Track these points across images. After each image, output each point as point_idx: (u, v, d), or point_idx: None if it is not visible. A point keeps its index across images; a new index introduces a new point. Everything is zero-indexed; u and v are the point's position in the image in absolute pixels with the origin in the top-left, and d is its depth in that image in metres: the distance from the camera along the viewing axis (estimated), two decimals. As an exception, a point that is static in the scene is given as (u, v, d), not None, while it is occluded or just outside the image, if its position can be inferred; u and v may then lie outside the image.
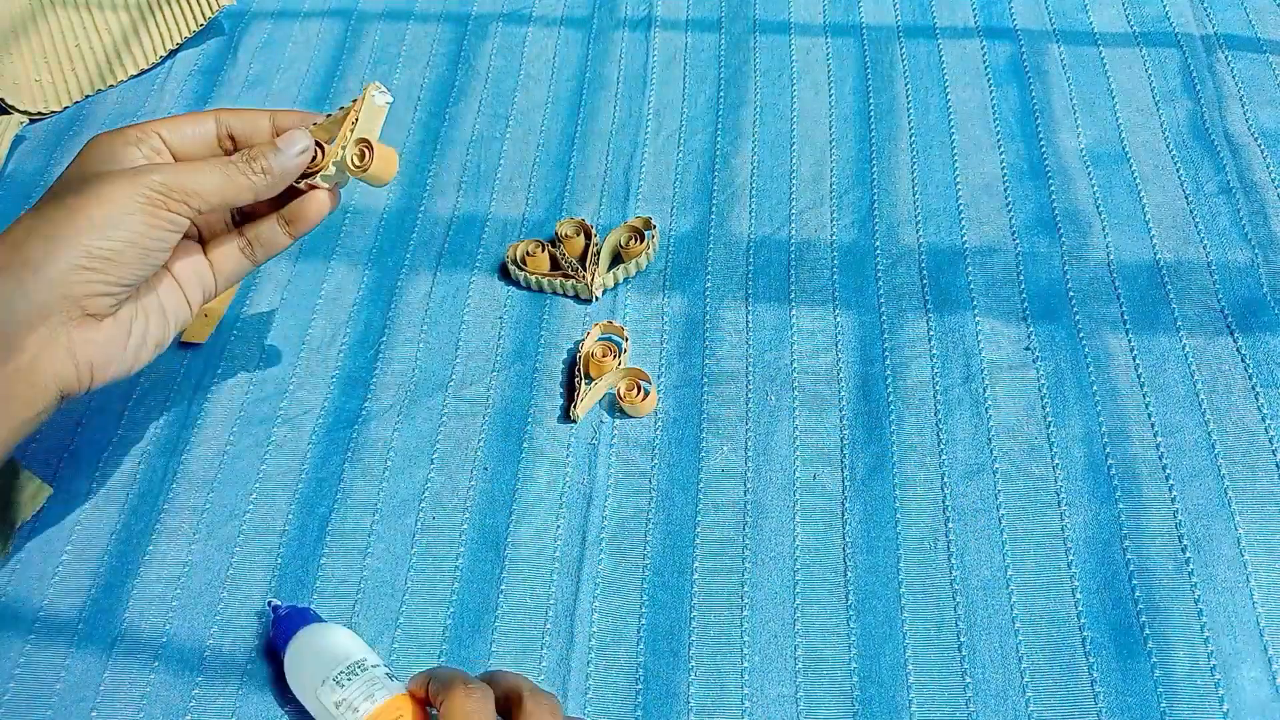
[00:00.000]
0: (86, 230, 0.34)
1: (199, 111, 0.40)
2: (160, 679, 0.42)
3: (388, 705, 0.37)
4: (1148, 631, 0.40)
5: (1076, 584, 0.42)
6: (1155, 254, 0.52)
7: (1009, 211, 0.55)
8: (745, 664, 0.41)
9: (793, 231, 0.55)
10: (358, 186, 0.58)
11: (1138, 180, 0.55)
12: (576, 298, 0.53)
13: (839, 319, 0.51)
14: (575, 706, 0.41)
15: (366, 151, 0.40)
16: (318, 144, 0.41)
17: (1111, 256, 0.52)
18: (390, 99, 0.42)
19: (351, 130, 0.40)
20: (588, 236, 0.54)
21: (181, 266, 0.40)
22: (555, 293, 0.53)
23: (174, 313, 0.40)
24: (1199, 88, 0.59)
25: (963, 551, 0.43)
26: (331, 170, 0.41)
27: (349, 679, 0.38)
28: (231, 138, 0.40)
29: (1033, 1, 0.66)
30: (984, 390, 0.48)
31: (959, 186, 0.56)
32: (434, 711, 0.35)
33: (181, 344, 0.53)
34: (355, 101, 0.41)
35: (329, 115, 0.42)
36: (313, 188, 0.41)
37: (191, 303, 0.41)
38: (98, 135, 0.38)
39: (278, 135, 0.40)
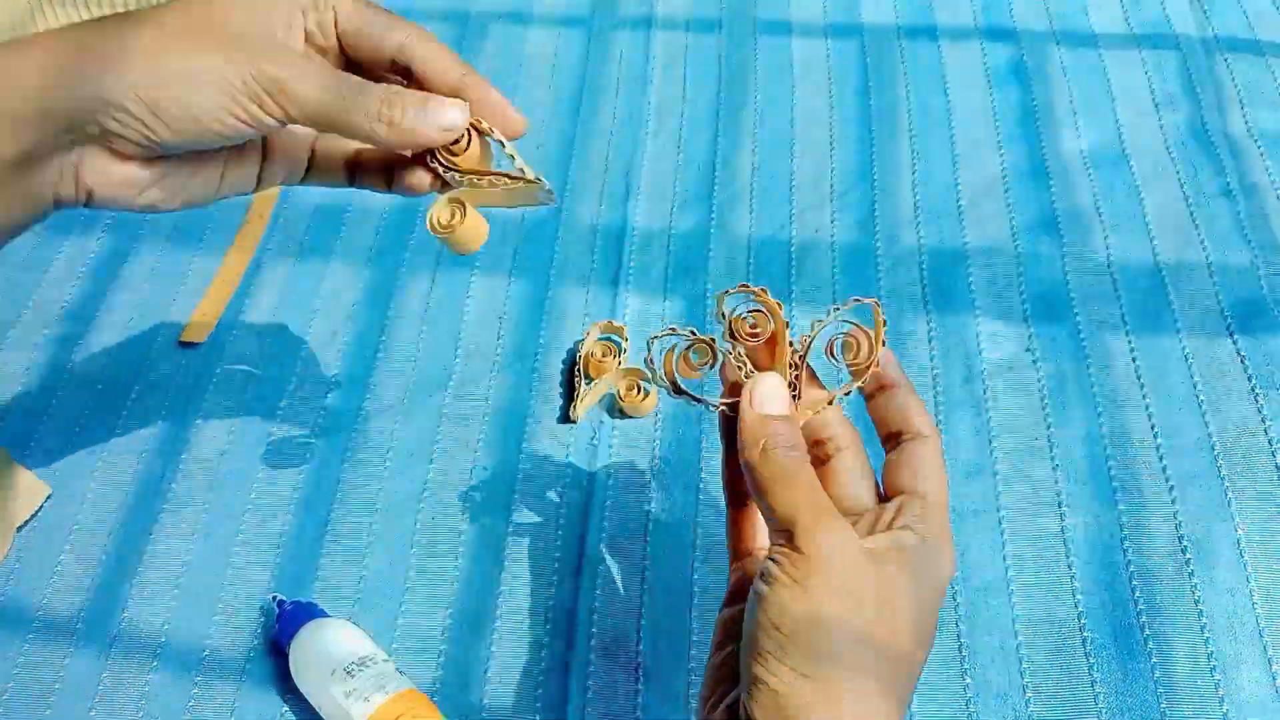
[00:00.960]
0: (153, 71, 0.28)
1: (392, 16, 0.32)
2: (159, 678, 0.42)
3: (399, 697, 0.37)
4: (1148, 632, 0.40)
5: (1077, 585, 0.42)
6: (1155, 255, 0.52)
7: (1009, 212, 0.55)
8: (745, 664, 0.41)
9: (793, 232, 0.55)
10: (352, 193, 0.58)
11: (1138, 182, 0.55)
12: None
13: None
14: (575, 706, 0.40)
15: (458, 212, 0.34)
16: (473, 130, 0.33)
17: (1112, 258, 0.52)
18: (547, 203, 0.35)
19: (488, 184, 0.33)
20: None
21: (233, 157, 0.33)
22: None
23: (199, 190, 0.33)
24: (1199, 90, 0.59)
25: (963, 552, 0.43)
26: (456, 182, 0.33)
27: (359, 670, 0.38)
28: (395, 61, 0.33)
29: (1033, 3, 0.66)
30: (984, 391, 0.48)
31: (960, 187, 0.56)
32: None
33: (181, 344, 0.53)
34: (514, 175, 0.33)
35: (505, 175, 0.33)
36: (432, 171, 0.33)
37: (221, 190, 0.34)
38: None
39: (455, 90, 0.32)
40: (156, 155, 0.30)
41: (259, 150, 0.34)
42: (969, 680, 0.40)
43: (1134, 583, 0.42)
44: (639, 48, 0.66)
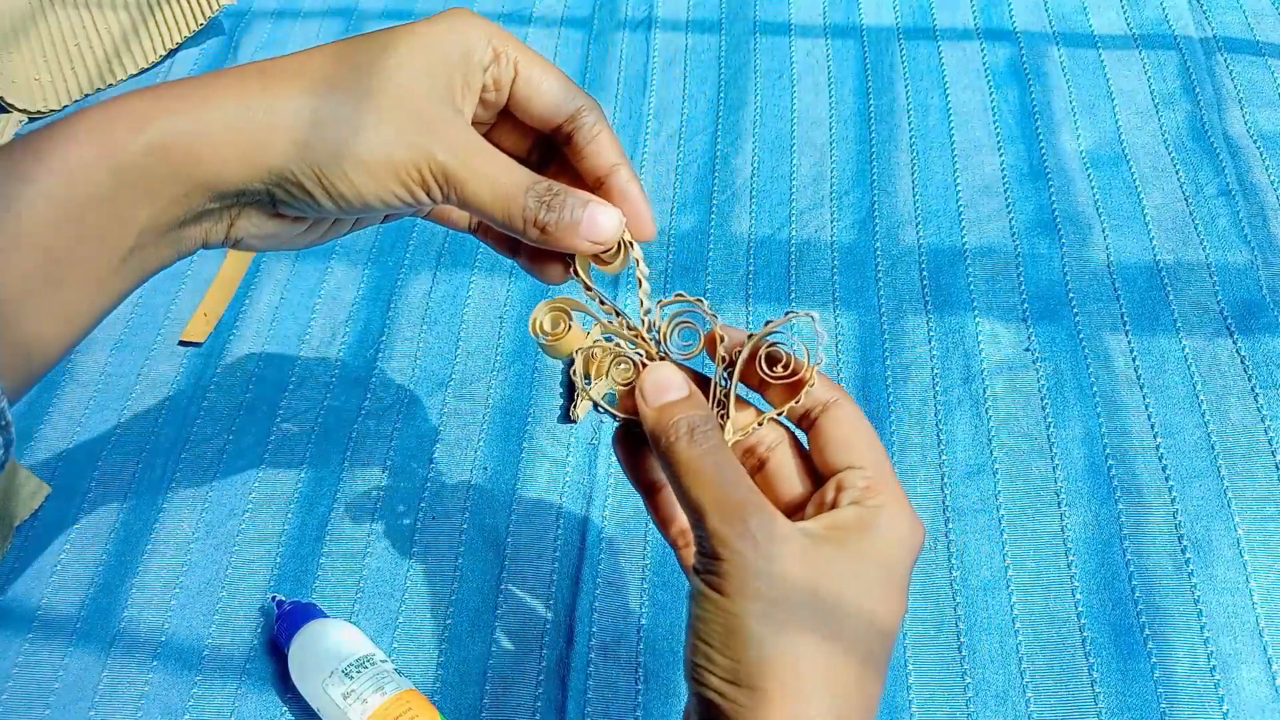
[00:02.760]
0: (333, 153, 0.27)
1: (570, 82, 0.31)
2: (159, 678, 0.42)
3: (397, 698, 0.37)
4: (1148, 632, 0.40)
5: (1076, 584, 0.42)
6: (1155, 255, 0.52)
7: (1009, 213, 0.55)
8: (745, 664, 0.41)
9: (793, 232, 0.55)
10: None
11: (1137, 182, 0.55)
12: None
13: (839, 319, 0.51)
14: (575, 706, 0.40)
15: (562, 322, 0.32)
16: (625, 244, 0.31)
17: (1111, 258, 0.52)
18: (679, 357, 0.31)
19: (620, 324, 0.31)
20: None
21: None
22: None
23: (367, 221, 0.33)
24: (1198, 90, 0.59)
25: (963, 551, 0.43)
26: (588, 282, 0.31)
27: (358, 671, 0.38)
28: (561, 128, 0.31)
29: (1033, 4, 0.66)
30: (984, 391, 0.48)
31: (959, 188, 0.56)
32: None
33: (180, 343, 0.53)
34: (644, 337, 0.31)
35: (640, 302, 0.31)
36: (566, 266, 0.32)
37: (390, 217, 0.34)
38: (466, 14, 0.29)
39: (604, 178, 0.31)
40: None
41: None
42: (969, 680, 0.40)
43: (1133, 582, 0.42)
44: (639, 48, 0.66)
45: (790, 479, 0.30)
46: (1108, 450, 0.45)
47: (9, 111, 0.64)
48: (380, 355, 0.52)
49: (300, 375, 0.51)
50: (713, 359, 0.30)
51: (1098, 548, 0.43)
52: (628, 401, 0.30)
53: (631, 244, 0.31)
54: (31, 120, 0.65)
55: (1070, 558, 0.43)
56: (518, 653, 0.42)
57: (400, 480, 0.47)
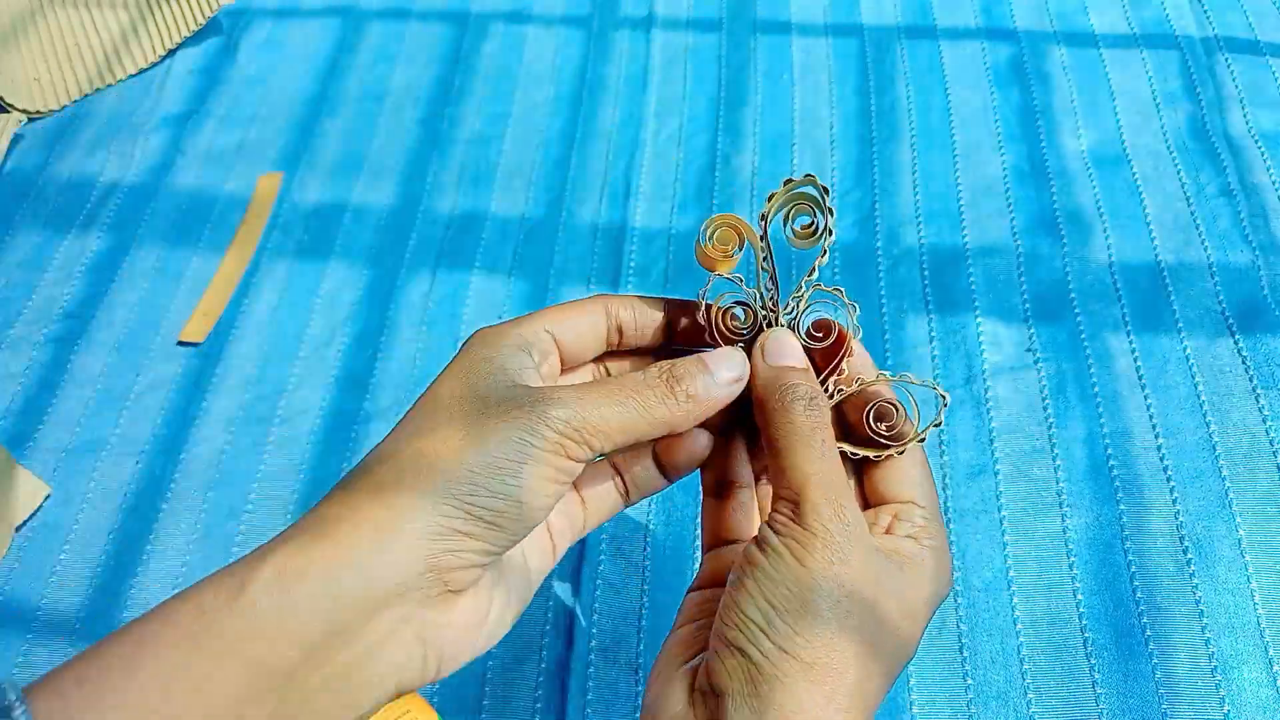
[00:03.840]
0: (467, 479, 0.25)
1: (584, 300, 0.31)
2: (158, 679, 0.42)
3: (395, 700, 0.37)
4: (1149, 633, 0.40)
5: (1078, 585, 0.42)
6: (1156, 255, 0.52)
7: (1010, 212, 0.55)
8: (746, 665, 0.41)
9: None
10: (352, 192, 0.58)
11: (1139, 182, 0.55)
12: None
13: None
14: (575, 708, 0.40)
15: (732, 241, 0.32)
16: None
17: (1113, 258, 0.52)
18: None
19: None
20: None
21: (556, 511, 0.31)
22: None
23: (537, 571, 0.30)
24: (1199, 90, 0.59)
25: (964, 552, 0.43)
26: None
27: None
28: (619, 330, 0.32)
29: (1034, 3, 0.66)
30: (985, 391, 0.48)
31: (960, 187, 0.56)
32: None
33: (179, 343, 0.53)
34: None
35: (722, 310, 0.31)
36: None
37: (557, 553, 0.31)
38: (480, 334, 0.29)
39: (680, 333, 0.31)
40: (488, 568, 0.27)
41: None
42: (970, 681, 0.40)
43: (1135, 583, 0.42)
44: (639, 48, 0.66)
45: (746, 519, 0.32)
46: (1109, 450, 0.45)
47: (8, 111, 0.64)
48: (380, 355, 0.52)
49: (300, 375, 0.51)
50: (834, 358, 0.31)
51: (1099, 548, 0.43)
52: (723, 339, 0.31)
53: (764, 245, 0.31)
54: (31, 120, 0.65)
55: (1072, 559, 0.43)
56: (517, 654, 0.42)
57: (400, 480, 0.47)
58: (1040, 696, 0.39)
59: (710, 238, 0.31)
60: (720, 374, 0.29)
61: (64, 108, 0.65)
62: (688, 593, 0.32)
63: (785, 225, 0.31)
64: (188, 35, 0.67)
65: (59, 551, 0.46)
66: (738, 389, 0.29)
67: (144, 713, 0.21)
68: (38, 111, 0.65)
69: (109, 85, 0.66)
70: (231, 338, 0.53)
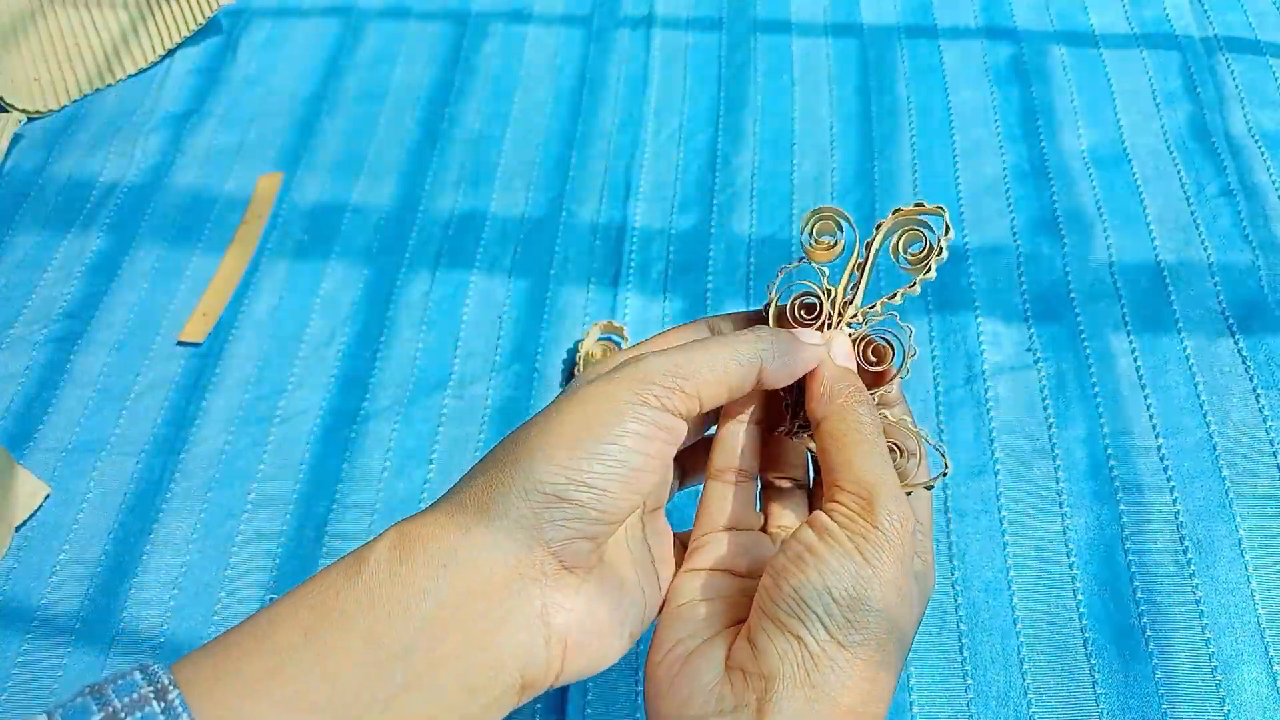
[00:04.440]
0: (570, 442, 0.25)
1: (687, 324, 0.32)
2: (158, 679, 0.42)
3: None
4: (1149, 633, 0.40)
5: (1078, 585, 0.42)
6: (1157, 255, 0.52)
7: (1010, 212, 0.55)
8: (746, 665, 0.41)
9: (793, 232, 0.55)
10: (352, 192, 0.58)
11: (1139, 182, 0.55)
12: None
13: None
14: (575, 709, 0.40)
15: (830, 232, 0.33)
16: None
17: (1113, 258, 0.52)
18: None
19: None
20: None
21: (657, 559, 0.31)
22: None
23: (651, 600, 0.30)
24: (1200, 89, 0.59)
25: (964, 553, 0.43)
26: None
27: None
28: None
29: (1034, 3, 0.66)
30: (986, 391, 0.48)
31: (960, 187, 0.56)
32: None
33: (179, 343, 0.53)
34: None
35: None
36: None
37: (662, 586, 0.31)
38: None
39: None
40: (602, 547, 0.27)
41: None
42: (970, 681, 0.40)
43: (1135, 583, 0.42)
44: (639, 47, 0.66)
45: (744, 505, 0.32)
46: (1109, 450, 0.45)
47: (8, 111, 0.64)
48: (379, 355, 0.52)
49: (299, 375, 0.51)
50: (871, 386, 0.31)
51: (1100, 548, 0.43)
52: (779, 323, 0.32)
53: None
54: (31, 120, 0.65)
55: (1072, 559, 0.42)
56: (518, 653, 0.42)
57: (400, 480, 0.47)
58: (1040, 696, 0.39)
59: (813, 234, 0.33)
60: (809, 338, 0.30)
61: (64, 107, 0.65)
62: (682, 573, 0.31)
63: (895, 253, 0.32)
64: (187, 35, 0.67)
65: (59, 551, 0.46)
66: (821, 357, 0.30)
67: (271, 686, 0.23)
68: (37, 111, 0.65)
69: (109, 85, 0.66)
70: (231, 338, 0.53)
